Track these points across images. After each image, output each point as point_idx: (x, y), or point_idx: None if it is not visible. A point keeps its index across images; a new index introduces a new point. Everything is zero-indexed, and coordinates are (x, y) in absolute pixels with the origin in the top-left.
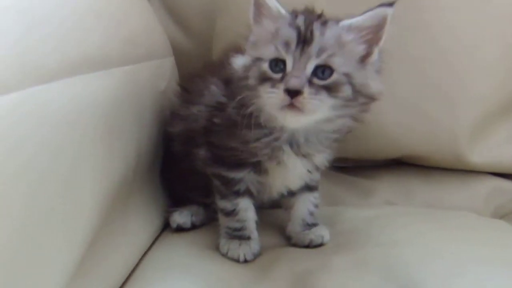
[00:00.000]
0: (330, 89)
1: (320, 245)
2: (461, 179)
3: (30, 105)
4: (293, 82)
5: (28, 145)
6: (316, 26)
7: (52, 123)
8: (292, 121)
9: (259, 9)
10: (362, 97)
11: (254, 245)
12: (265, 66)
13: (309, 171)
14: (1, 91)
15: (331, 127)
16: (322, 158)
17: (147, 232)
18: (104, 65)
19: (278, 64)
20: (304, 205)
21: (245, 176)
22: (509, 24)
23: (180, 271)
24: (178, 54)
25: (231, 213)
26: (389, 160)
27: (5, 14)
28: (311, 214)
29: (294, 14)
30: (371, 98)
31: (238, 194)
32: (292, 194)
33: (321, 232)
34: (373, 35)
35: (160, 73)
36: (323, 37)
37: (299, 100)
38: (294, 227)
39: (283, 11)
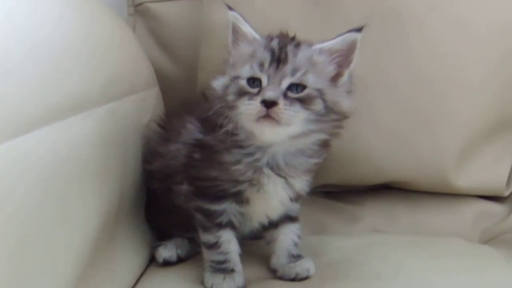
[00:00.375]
0: (304, 101)
1: (306, 278)
2: (448, 203)
3: (10, 158)
4: (269, 94)
5: (10, 199)
6: (290, 48)
7: (33, 174)
8: (269, 133)
9: (237, 34)
10: (334, 114)
11: (238, 278)
12: (243, 82)
13: (290, 199)
14: None
15: (306, 142)
16: (302, 183)
17: (133, 268)
18: (85, 106)
19: (255, 82)
20: (288, 236)
21: (227, 208)
22: (492, 45)
23: None
24: (164, 81)
25: (213, 246)
26: (375, 186)
27: None
28: (296, 245)
29: (269, 38)
30: (343, 115)
31: (220, 226)
32: (273, 225)
33: (307, 265)
34: (343, 58)
35: (144, 106)
36: (296, 58)
37: (275, 110)
38: (280, 259)
39: (257, 36)
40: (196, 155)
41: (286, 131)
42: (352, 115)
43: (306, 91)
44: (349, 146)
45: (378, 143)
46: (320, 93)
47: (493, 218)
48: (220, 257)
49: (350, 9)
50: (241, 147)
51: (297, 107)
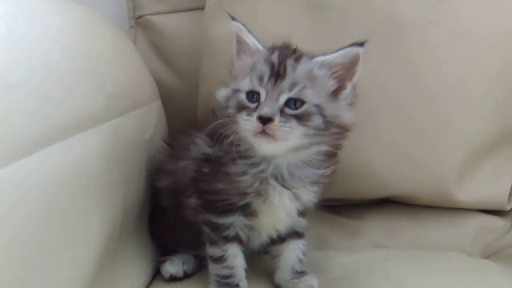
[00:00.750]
0: (300, 118)
1: None
2: (449, 217)
3: (13, 180)
4: (265, 110)
5: (13, 221)
6: (290, 62)
7: (36, 195)
8: (266, 148)
9: (240, 45)
10: (335, 127)
11: None
12: (243, 96)
13: (298, 211)
14: None
15: (308, 153)
16: (309, 194)
17: (136, 283)
18: (87, 124)
19: (254, 96)
20: (293, 252)
21: (234, 221)
22: (492, 58)
23: None
24: (165, 94)
25: (219, 260)
26: (376, 199)
27: None
28: (300, 261)
29: (271, 49)
30: (344, 128)
31: (227, 240)
32: (281, 239)
33: (311, 282)
34: (345, 71)
35: (146, 121)
36: (295, 72)
37: (270, 127)
38: (284, 275)
39: (260, 47)
40: (205, 169)
41: (282, 146)
42: (353, 127)
43: (304, 107)
44: (351, 160)
45: (380, 157)
46: (319, 108)
47: (495, 232)
48: (225, 272)
49: (352, 23)
50: (246, 157)
51: (293, 123)
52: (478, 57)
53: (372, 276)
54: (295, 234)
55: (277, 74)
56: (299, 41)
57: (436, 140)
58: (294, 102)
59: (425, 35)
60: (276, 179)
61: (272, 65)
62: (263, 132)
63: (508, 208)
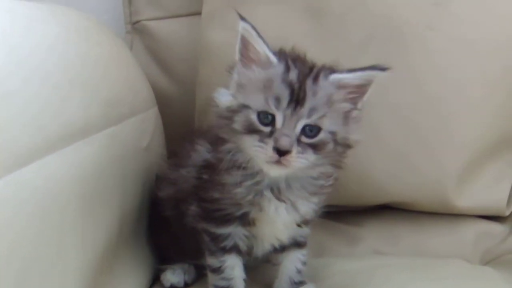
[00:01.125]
0: (316, 147)
1: None
2: (449, 224)
3: (9, 191)
4: (284, 142)
5: (10, 232)
6: (309, 84)
7: (32, 206)
8: (276, 173)
9: (246, 49)
10: (340, 147)
11: None
12: (253, 117)
13: (298, 225)
14: None
15: (309, 174)
16: (307, 206)
17: None
18: (83, 134)
19: (267, 116)
20: (292, 263)
21: (232, 231)
22: (492, 63)
23: None
24: (161, 99)
25: (217, 271)
26: (375, 206)
27: None
28: (299, 272)
29: (285, 64)
30: (349, 147)
31: (225, 250)
32: (283, 248)
33: None
34: (359, 93)
35: (143, 128)
36: (315, 97)
37: (287, 158)
38: (281, 285)
39: (272, 58)
40: (205, 176)
41: (292, 170)
42: (357, 145)
43: (320, 136)
44: (350, 166)
45: (379, 163)
46: (333, 135)
47: (494, 238)
48: (223, 283)
49: (350, 28)
50: (241, 168)
51: (309, 153)
52: (478, 62)
53: (371, 283)
54: (296, 244)
55: (296, 99)
56: (298, 46)
57: (436, 146)
58: (310, 129)
59: (425, 40)
60: (272, 191)
61: (291, 88)
62: (278, 162)
63: (507, 213)
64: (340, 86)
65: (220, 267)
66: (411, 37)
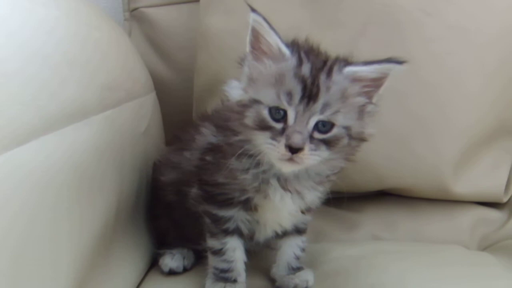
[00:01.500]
0: (329, 143)
1: None
2: (446, 210)
3: (7, 169)
4: (296, 140)
5: (7, 211)
6: (322, 79)
7: (29, 185)
8: (289, 169)
9: (258, 41)
10: (355, 141)
11: None
12: (265, 113)
13: (302, 212)
14: None
15: (322, 168)
16: (313, 196)
17: (131, 276)
18: (81, 115)
19: (278, 111)
20: (290, 249)
21: (235, 215)
22: (490, 51)
23: None
24: (160, 86)
25: (218, 252)
26: (373, 192)
27: None
28: (297, 258)
29: (298, 57)
30: (363, 141)
31: (227, 232)
32: (283, 234)
33: (306, 277)
34: (375, 87)
35: (141, 113)
36: (329, 92)
37: (300, 156)
38: (279, 270)
39: (284, 50)
40: (208, 157)
41: (305, 166)
42: (371, 138)
43: (333, 132)
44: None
45: (378, 150)
46: (347, 129)
47: (492, 224)
48: (223, 265)
49: (347, 13)
50: (250, 155)
51: (322, 149)
52: (474, 52)
53: (368, 270)
54: (296, 230)
55: (309, 94)
56: (294, 32)
57: (433, 132)
58: (323, 124)
59: (421, 27)
60: (278, 180)
61: (303, 82)
62: (290, 159)
63: (505, 200)
64: (354, 79)
65: (221, 249)
66: (408, 23)
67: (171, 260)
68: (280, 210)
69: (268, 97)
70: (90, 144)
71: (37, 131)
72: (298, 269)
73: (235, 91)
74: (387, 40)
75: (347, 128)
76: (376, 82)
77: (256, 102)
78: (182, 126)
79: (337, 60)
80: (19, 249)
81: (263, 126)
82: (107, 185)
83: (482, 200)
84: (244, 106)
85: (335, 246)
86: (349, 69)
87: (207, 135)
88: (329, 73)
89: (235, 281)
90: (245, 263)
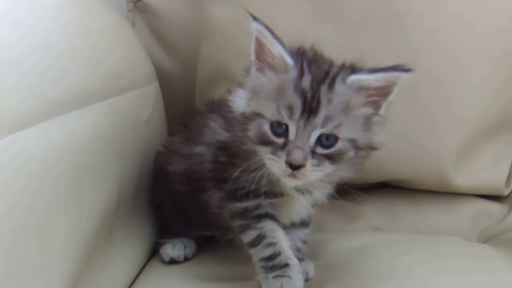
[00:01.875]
0: (333, 157)
1: (305, 280)
2: (447, 202)
3: (8, 153)
4: (297, 157)
5: (6, 195)
6: (323, 92)
7: (30, 170)
8: (291, 183)
9: (262, 51)
10: (364, 151)
11: (296, 279)
12: (266, 127)
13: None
14: None
15: (330, 179)
16: (320, 194)
17: (132, 265)
18: (83, 102)
19: (280, 126)
20: (292, 241)
21: (261, 202)
22: (493, 44)
23: None
24: (163, 77)
25: (258, 240)
26: (374, 183)
27: None
28: (298, 250)
29: (300, 68)
30: (372, 149)
31: (259, 217)
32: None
33: (306, 268)
34: (381, 96)
35: (144, 102)
36: (330, 105)
37: (301, 171)
38: None
39: (288, 59)
40: (222, 158)
41: (309, 181)
42: (382, 147)
43: (337, 146)
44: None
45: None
46: (352, 142)
47: (493, 217)
48: (268, 251)
49: (349, 6)
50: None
51: (325, 164)
52: (477, 44)
53: (369, 261)
54: (301, 223)
55: (309, 109)
56: (294, 28)
57: (435, 124)
58: (326, 138)
59: (424, 19)
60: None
61: (304, 96)
62: (292, 175)
63: (506, 193)
64: (359, 88)
65: (259, 234)
66: (410, 16)
67: (172, 249)
68: (290, 206)
69: (269, 110)
70: (92, 131)
71: (39, 116)
72: (299, 260)
73: (239, 101)
74: (389, 32)
75: (352, 140)
76: (383, 91)
77: (258, 115)
78: (190, 114)
79: (341, 69)
80: (17, 233)
81: (264, 141)
82: (108, 172)
83: (483, 192)
84: (247, 118)
85: (335, 237)
86: (353, 78)
87: (216, 129)
88: (331, 85)
89: (286, 265)
90: (245, 257)
